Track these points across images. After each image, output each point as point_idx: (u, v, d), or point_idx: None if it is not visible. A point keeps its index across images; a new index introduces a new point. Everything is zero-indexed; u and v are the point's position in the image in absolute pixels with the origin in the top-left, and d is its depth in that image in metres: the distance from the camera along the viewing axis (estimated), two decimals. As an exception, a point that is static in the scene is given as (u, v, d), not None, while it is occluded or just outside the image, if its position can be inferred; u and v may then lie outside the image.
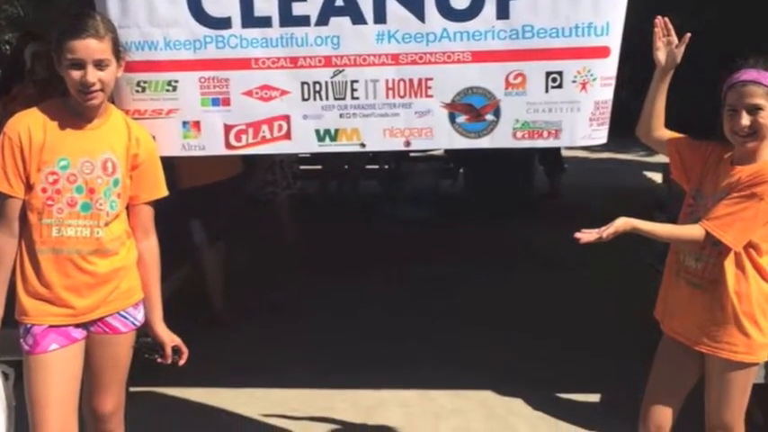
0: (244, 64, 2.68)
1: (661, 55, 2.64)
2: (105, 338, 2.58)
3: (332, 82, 2.67)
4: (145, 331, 2.68)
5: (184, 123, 2.74)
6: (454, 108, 2.69)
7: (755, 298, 2.50)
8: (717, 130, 2.55)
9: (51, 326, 2.47)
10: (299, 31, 2.64)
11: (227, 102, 2.71)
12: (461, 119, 2.70)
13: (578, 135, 2.71)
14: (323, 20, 2.62)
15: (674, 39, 2.62)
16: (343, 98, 2.68)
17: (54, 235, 2.44)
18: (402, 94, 2.68)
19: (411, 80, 2.67)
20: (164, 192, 2.67)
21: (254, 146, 2.77)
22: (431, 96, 2.68)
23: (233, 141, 2.76)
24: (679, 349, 2.64)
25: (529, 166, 8.12)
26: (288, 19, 2.63)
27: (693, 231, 2.47)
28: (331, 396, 3.97)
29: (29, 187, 2.43)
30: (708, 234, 2.43)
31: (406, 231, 7.23)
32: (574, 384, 4.02)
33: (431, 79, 2.66)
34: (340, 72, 2.67)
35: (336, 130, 2.72)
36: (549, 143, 2.73)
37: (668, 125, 2.76)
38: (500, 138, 2.70)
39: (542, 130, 2.69)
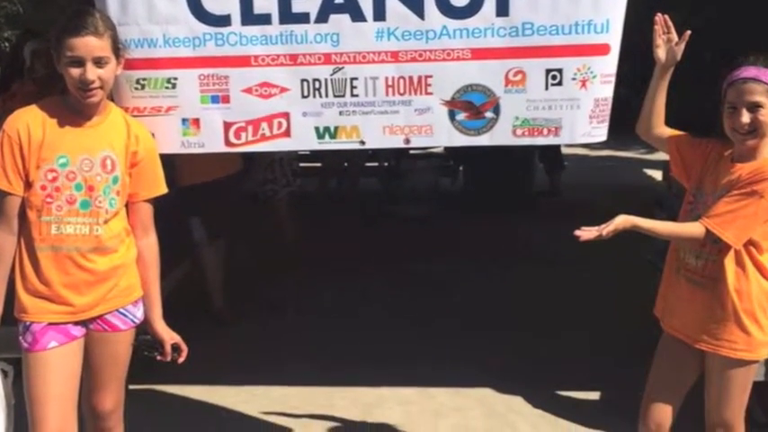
0: (243, 61, 2.67)
1: (661, 52, 2.64)
2: (104, 336, 2.58)
3: (331, 79, 2.67)
4: (144, 329, 2.68)
5: (184, 121, 2.74)
6: (454, 105, 2.68)
7: (756, 295, 2.50)
8: (717, 127, 2.55)
9: (50, 323, 2.47)
10: (298, 29, 2.63)
11: (226, 99, 2.71)
12: (461, 116, 2.69)
13: (578, 132, 2.70)
14: (322, 17, 2.62)
15: (674, 36, 2.62)
16: (343, 95, 2.68)
17: (53, 232, 2.43)
18: (402, 91, 2.67)
19: (411, 77, 2.66)
20: (163, 189, 2.67)
21: (254, 143, 2.76)
22: (430, 94, 2.67)
23: (232, 139, 2.75)
24: (679, 347, 2.64)
25: (529, 163, 8.13)
26: (287, 16, 2.62)
27: (693, 229, 2.47)
28: (331, 394, 3.96)
29: (28, 185, 2.43)
30: (708, 231, 2.43)
31: (405, 229, 7.24)
32: (573, 382, 4.02)
33: (430, 76, 2.66)
34: (340, 69, 2.66)
35: (336, 128, 2.72)
36: (549, 140, 2.72)
37: (668, 122, 2.75)
38: (500, 135, 2.70)
39: (542, 128, 2.69)
